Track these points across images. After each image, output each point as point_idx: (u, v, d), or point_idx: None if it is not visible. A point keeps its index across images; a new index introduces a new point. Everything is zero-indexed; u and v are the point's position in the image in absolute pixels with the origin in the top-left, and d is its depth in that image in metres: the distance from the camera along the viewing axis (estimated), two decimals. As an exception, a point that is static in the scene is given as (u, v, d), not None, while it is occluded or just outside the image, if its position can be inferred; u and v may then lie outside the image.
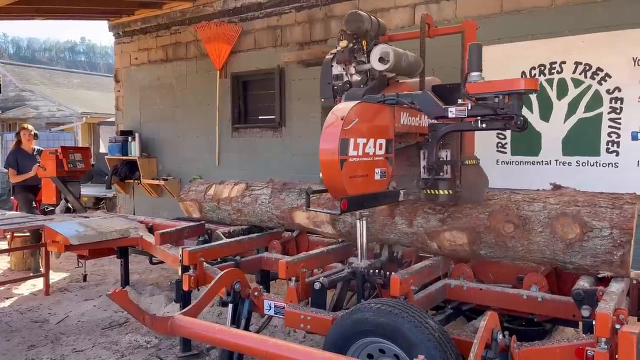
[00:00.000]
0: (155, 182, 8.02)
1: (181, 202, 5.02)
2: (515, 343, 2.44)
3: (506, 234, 3.07)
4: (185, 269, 3.78)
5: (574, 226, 2.87)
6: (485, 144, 5.16)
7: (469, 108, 2.81)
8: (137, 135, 8.16)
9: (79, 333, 4.58)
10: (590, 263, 2.86)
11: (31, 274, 6.40)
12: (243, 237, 4.37)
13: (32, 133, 7.12)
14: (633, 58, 4.38)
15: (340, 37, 3.43)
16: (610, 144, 4.48)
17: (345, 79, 3.44)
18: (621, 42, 4.40)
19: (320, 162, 2.75)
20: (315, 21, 6.46)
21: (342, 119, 2.67)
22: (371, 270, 3.31)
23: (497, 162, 5.04)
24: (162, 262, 5.18)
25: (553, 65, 4.73)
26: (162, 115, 8.21)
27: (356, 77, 3.40)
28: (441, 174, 3.06)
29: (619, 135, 4.44)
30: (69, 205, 6.56)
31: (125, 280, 5.77)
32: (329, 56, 3.54)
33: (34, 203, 7.01)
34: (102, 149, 13.33)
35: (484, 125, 2.82)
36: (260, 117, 7.21)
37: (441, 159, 3.04)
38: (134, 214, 7.89)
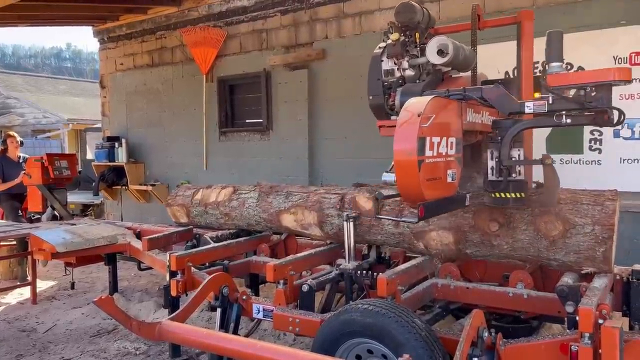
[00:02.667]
0: (143, 187, 7.99)
1: (168, 207, 5.00)
2: (501, 340, 2.46)
3: (491, 233, 3.10)
4: (173, 274, 3.77)
5: (557, 223, 2.90)
6: (470, 144, 5.22)
7: (550, 102, 2.58)
8: (124, 141, 8.13)
9: (67, 341, 4.54)
10: (574, 259, 2.89)
11: (18, 283, 6.33)
12: (231, 241, 4.36)
13: (18, 141, 7.06)
14: (614, 57, 4.45)
15: (389, 30, 3.23)
16: (592, 142, 4.55)
17: (398, 74, 3.23)
18: (602, 41, 4.47)
19: (395, 164, 2.47)
20: (300, 24, 6.48)
21: (418, 116, 2.41)
22: (359, 272, 3.32)
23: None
24: (150, 268, 5.15)
25: (536, 65, 4.78)
26: (149, 121, 8.18)
27: (409, 72, 3.18)
28: (513, 175, 2.77)
29: (601, 134, 4.51)
30: (56, 212, 6.50)
31: (114, 287, 5.74)
32: (377, 50, 3.33)
33: (20, 211, 6.95)
34: (89, 155, 13.23)
35: (568, 121, 2.57)
36: (247, 121, 7.21)
37: (513, 159, 2.75)
38: (122, 220, 7.85)
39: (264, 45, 6.81)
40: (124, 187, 8.22)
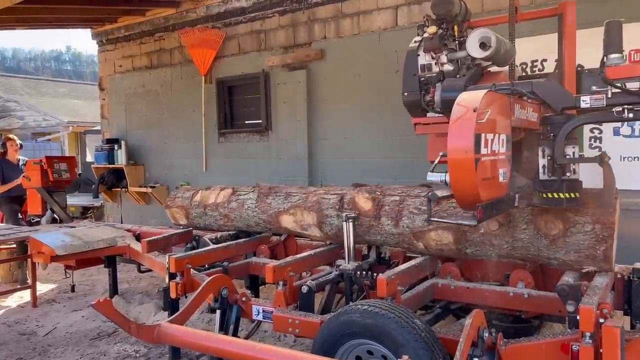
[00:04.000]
0: (143, 189, 7.98)
1: (168, 209, 4.99)
2: (501, 340, 2.45)
3: (491, 232, 3.09)
4: (172, 276, 3.76)
5: (557, 222, 2.89)
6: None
7: (609, 96, 2.45)
8: (123, 143, 8.12)
9: (67, 344, 4.53)
10: (574, 258, 2.88)
11: (18, 286, 6.32)
12: (230, 242, 4.35)
13: (17, 143, 7.06)
14: (612, 54, 4.43)
15: (425, 23, 3.10)
16: (592, 139, 4.53)
17: (435, 69, 3.09)
18: (599, 39, 4.44)
19: (449, 163, 2.32)
20: (298, 25, 6.47)
21: (474, 111, 2.28)
22: (359, 272, 3.31)
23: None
24: (150, 270, 5.15)
25: (535, 63, 4.77)
26: (148, 122, 8.18)
27: (448, 67, 3.05)
28: (567, 174, 2.64)
29: (601, 131, 4.49)
30: (55, 215, 6.49)
31: (114, 290, 5.73)
32: (413, 44, 3.18)
33: (19, 214, 6.94)
34: (89, 157, 13.23)
35: (630, 115, 2.43)
36: (246, 122, 7.20)
37: (567, 157, 2.61)
38: (122, 223, 7.84)
39: (263, 46, 6.81)
40: (123, 189, 8.21)
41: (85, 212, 9.98)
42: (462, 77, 2.96)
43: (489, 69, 3.21)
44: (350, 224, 3.46)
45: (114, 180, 8.17)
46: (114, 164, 8.13)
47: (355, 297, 3.30)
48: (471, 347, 2.32)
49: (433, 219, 2.94)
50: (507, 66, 3.24)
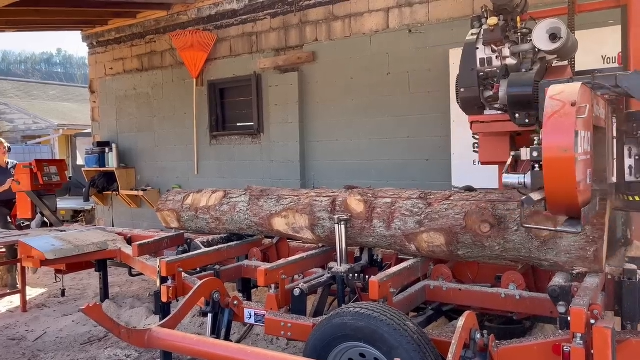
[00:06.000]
0: (134, 192, 7.93)
1: (159, 212, 4.96)
2: (493, 342, 2.45)
3: (483, 234, 3.09)
4: (163, 280, 3.73)
5: (548, 224, 2.89)
6: (462, 145, 5.23)
7: None
8: (114, 146, 8.08)
9: (58, 349, 4.49)
10: (565, 259, 2.89)
11: (8, 291, 6.25)
12: (222, 245, 4.33)
13: (6, 147, 6.99)
14: (602, 56, 4.46)
15: (483, 14, 2.93)
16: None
17: (496, 63, 2.90)
18: (590, 42, 4.47)
19: (545, 162, 2.12)
20: (290, 27, 6.47)
21: (572, 105, 2.08)
22: (351, 275, 3.31)
23: (474, 162, 5.09)
24: (141, 274, 5.11)
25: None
26: (139, 125, 8.14)
27: (510, 61, 2.86)
28: None
29: (591, 133, 4.50)
30: (45, 219, 6.44)
31: (105, 294, 5.69)
32: (470, 37, 2.99)
33: (9, 218, 6.87)
34: (80, 161, 13.13)
35: None
36: (238, 124, 7.19)
37: None
38: (113, 226, 7.79)
39: (254, 49, 6.80)
40: (114, 192, 8.16)
41: (75, 216, 9.90)
42: (529, 72, 2.78)
43: (551, 63, 3.03)
44: (343, 226, 3.45)
45: (105, 183, 8.11)
46: (105, 167, 8.08)
47: (348, 300, 3.29)
48: (463, 348, 2.33)
49: (527, 225, 2.70)
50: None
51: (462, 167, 5.24)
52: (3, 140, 7.12)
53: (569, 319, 2.29)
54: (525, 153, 2.37)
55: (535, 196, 2.29)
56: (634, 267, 2.91)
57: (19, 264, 5.67)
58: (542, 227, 2.72)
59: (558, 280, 2.81)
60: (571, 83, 2.29)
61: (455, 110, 5.23)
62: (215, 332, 3.28)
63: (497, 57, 2.90)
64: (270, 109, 6.63)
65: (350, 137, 6.07)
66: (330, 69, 6.16)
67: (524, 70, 2.83)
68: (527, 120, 2.72)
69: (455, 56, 5.17)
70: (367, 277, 3.16)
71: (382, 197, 3.59)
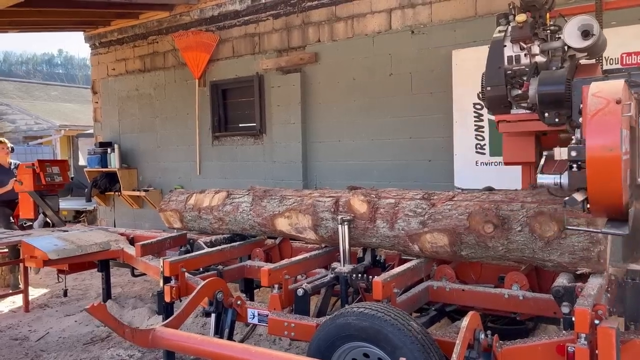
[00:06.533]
0: (136, 193, 7.94)
1: (162, 212, 4.96)
2: (497, 342, 2.45)
3: (486, 234, 3.09)
4: (166, 280, 3.74)
5: (551, 224, 2.89)
6: (464, 145, 5.23)
7: None
8: (116, 146, 8.08)
9: (60, 350, 4.49)
10: (569, 260, 2.89)
11: (10, 291, 6.26)
12: (225, 245, 4.33)
13: (9, 147, 7.00)
14: (605, 57, 4.45)
15: (510, 11, 2.89)
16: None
17: (525, 60, 2.84)
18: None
19: (589, 162, 2.06)
20: (292, 28, 6.48)
21: (617, 103, 2.03)
22: (354, 275, 3.31)
23: (476, 163, 5.09)
24: (144, 274, 5.11)
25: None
26: (141, 126, 8.15)
27: (540, 58, 2.80)
28: None
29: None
30: (48, 219, 6.44)
31: (107, 294, 5.68)
32: (497, 34, 2.93)
33: (11, 218, 6.87)
34: (82, 161, 13.15)
35: None
36: (240, 125, 7.19)
37: None
38: (115, 227, 7.80)
39: (257, 49, 6.81)
40: (116, 193, 8.16)
41: (78, 216, 9.91)
42: (559, 69, 2.72)
43: (580, 61, 2.96)
44: (346, 226, 3.45)
45: (107, 184, 8.12)
46: (107, 167, 8.09)
47: (351, 300, 3.29)
48: (467, 349, 2.33)
49: (570, 227, 2.63)
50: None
51: (464, 168, 5.25)
52: (6, 141, 7.13)
53: (573, 319, 2.29)
54: (559, 153, 2.30)
55: (579, 197, 2.23)
56: (638, 267, 2.91)
57: (21, 264, 5.68)
58: (586, 230, 2.67)
59: (562, 280, 2.81)
60: (611, 80, 2.23)
61: (458, 111, 5.25)
62: (218, 332, 3.28)
63: (525, 55, 2.84)
64: (273, 109, 6.63)
65: (353, 138, 6.08)
66: (333, 69, 6.16)
67: (553, 68, 2.77)
68: (557, 120, 2.66)
69: (458, 57, 5.19)
70: (370, 277, 3.16)
71: (385, 198, 3.59)
